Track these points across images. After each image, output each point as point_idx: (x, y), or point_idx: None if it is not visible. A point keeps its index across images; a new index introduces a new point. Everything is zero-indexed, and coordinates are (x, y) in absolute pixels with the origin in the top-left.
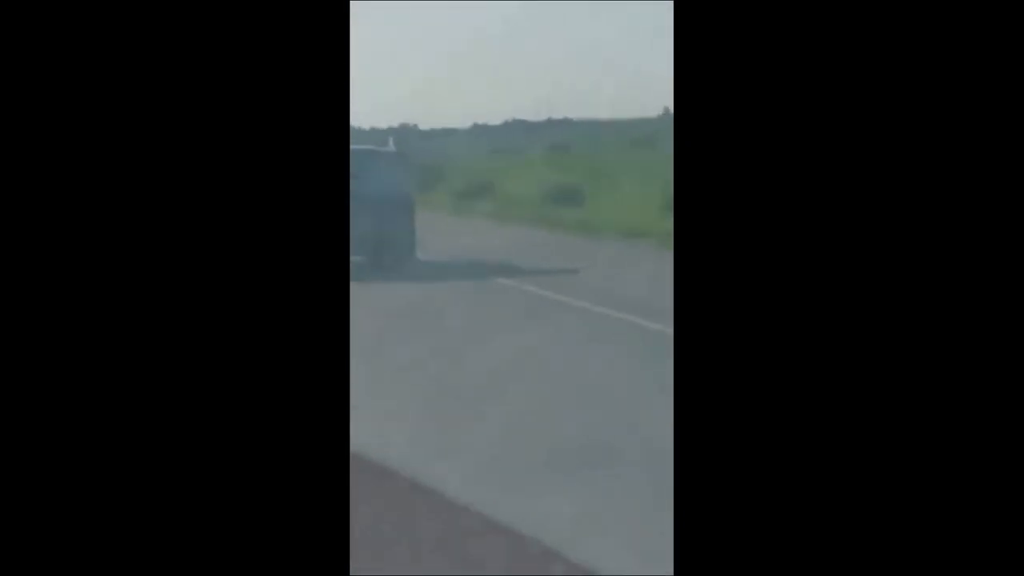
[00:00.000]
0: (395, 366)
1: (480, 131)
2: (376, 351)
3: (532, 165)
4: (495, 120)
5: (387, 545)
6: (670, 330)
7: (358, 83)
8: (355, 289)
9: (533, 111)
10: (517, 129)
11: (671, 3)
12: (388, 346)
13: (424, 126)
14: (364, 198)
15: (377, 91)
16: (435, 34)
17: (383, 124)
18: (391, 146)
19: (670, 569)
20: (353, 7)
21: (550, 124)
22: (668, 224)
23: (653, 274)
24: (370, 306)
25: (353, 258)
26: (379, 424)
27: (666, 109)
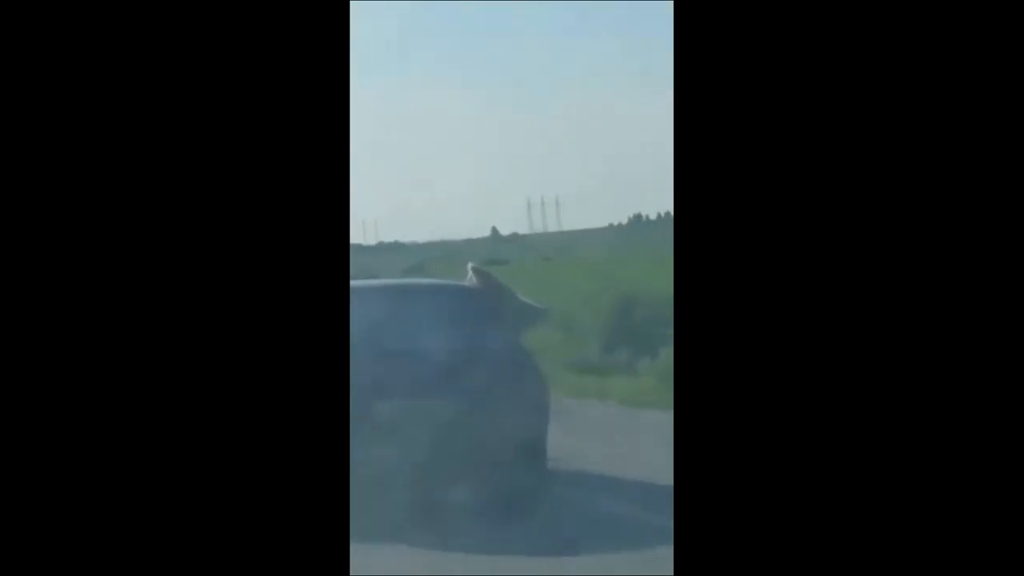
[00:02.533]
0: None
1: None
2: None
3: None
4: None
5: None
6: None
7: None
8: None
9: (362, 234)
10: (353, 253)
11: (671, 3)
12: None
13: None
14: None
15: None
16: None
17: None
18: (470, 278)
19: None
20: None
21: (382, 248)
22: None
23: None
24: None
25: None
26: None
27: (493, 228)
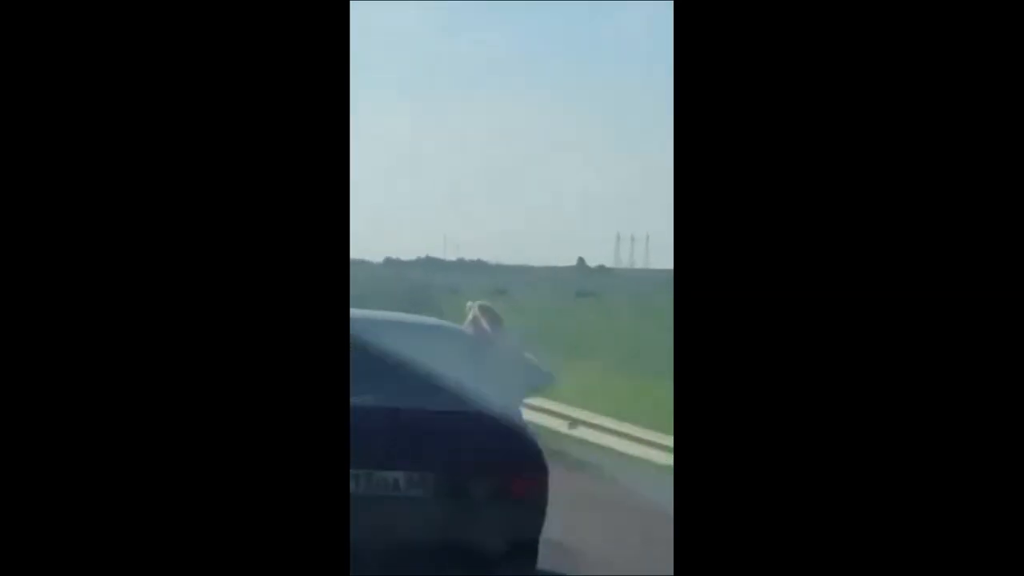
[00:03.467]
0: None
1: (392, 264)
2: None
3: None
4: (407, 255)
5: None
6: None
7: None
8: None
9: (442, 249)
10: (430, 266)
11: (671, 3)
12: None
13: None
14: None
15: None
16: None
17: None
18: (473, 319)
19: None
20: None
21: (462, 265)
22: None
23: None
24: None
25: None
26: None
27: (580, 259)
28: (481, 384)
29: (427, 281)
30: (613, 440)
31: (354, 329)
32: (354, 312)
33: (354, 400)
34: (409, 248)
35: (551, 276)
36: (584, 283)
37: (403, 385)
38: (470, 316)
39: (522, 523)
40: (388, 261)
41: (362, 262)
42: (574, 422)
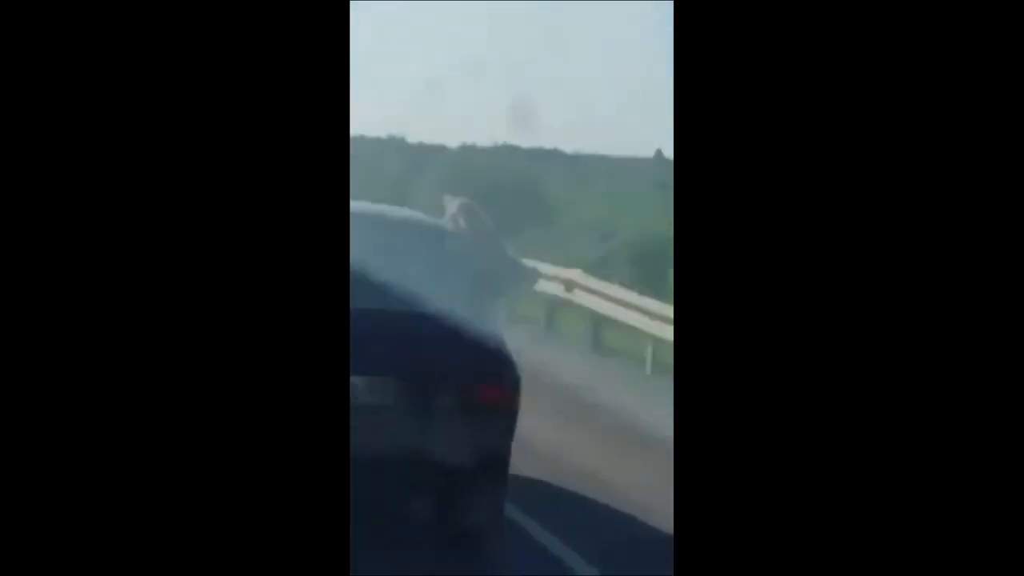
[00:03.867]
0: None
1: (468, 151)
2: None
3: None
4: (483, 141)
5: None
6: None
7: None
8: None
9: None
10: (508, 154)
11: (671, 3)
12: None
13: (412, 139)
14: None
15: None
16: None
17: (369, 132)
18: (452, 215)
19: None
20: (353, 6)
21: (540, 153)
22: None
23: None
24: None
25: None
26: None
27: (658, 151)
28: (456, 283)
29: (504, 170)
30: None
31: None
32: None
33: None
34: (485, 133)
35: (630, 167)
36: (662, 174)
37: (367, 285)
38: (450, 210)
39: (489, 434)
40: (464, 148)
41: (441, 147)
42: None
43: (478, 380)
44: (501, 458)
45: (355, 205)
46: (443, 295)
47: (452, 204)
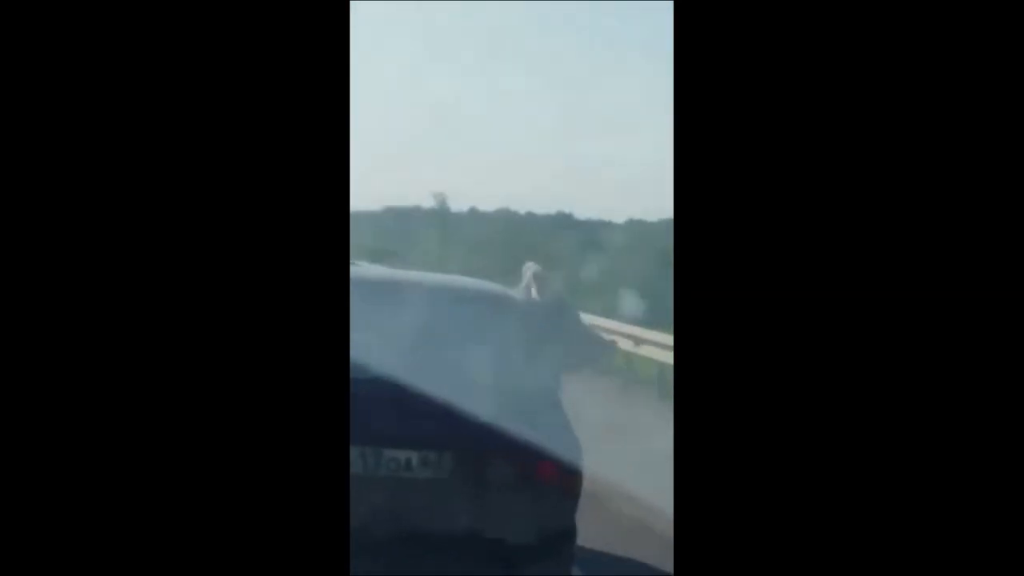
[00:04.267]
0: None
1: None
2: None
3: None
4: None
5: None
6: None
7: None
8: None
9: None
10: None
11: (671, 3)
12: None
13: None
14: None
15: None
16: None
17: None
18: (527, 284)
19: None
20: (353, 7)
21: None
22: None
23: None
24: None
25: None
26: None
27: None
28: (526, 357)
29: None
30: None
31: (374, 294)
32: (381, 272)
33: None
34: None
35: (661, 229)
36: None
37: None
38: (526, 278)
39: (550, 513)
40: (501, 211)
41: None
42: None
43: (538, 457)
44: (562, 536)
45: (427, 277)
46: (511, 367)
47: (526, 272)
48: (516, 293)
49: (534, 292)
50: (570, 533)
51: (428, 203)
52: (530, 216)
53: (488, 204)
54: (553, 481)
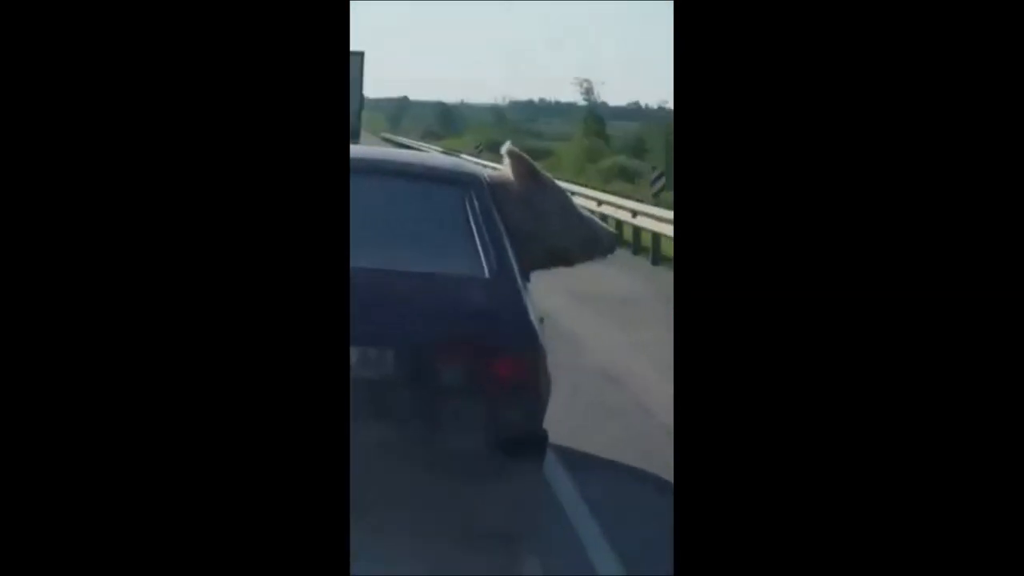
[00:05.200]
0: None
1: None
2: None
3: None
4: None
5: None
6: None
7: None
8: None
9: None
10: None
11: (671, 2)
12: None
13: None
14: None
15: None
16: None
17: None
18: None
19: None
20: (353, 6)
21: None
22: None
23: None
24: None
25: None
26: None
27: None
28: (487, 242)
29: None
30: None
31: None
32: (356, 150)
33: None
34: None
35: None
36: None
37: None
38: (504, 161)
39: (508, 415)
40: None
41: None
42: None
43: (493, 354)
44: (527, 443)
45: (392, 153)
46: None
47: (504, 152)
48: (491, 174)
49: (509, 173)
50: (536, 440)
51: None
52: None
53: None
54: (512, 381)
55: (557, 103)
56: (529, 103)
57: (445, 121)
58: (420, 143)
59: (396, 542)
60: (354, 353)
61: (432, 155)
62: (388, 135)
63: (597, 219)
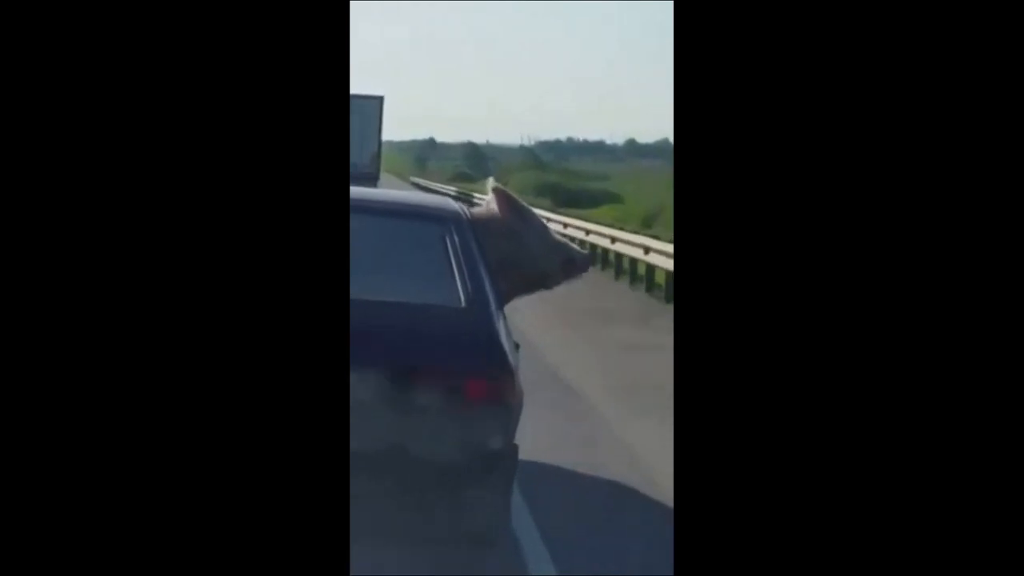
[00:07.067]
0: None
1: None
2: None
3: None
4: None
5: None
6: None
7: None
8: None
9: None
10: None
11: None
12: None
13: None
14: None
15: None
16: None
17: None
18: (488, 203)
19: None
20: (353, 6)
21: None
22: None
23: None
24: None
25: None
26: None
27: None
28: (465, 274)
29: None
30: None
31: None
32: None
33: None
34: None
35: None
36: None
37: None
38: (488, 197)
39: (481, 430)
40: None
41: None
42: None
43: (465, 374)
44: (498, 455)
45: (379, 193)
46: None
47: (488, 187)
48: (476, 210)
49: (494, 208)
50: (505, 453)
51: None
52: None
53: None
54: (484, 400)
55: (585, 141)
56: (557, 142)
57: (474, 162)
58: (450, 187)
59: (375, 543)
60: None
61: (417, 194)
62: (416, 179)
63: (571, 243)
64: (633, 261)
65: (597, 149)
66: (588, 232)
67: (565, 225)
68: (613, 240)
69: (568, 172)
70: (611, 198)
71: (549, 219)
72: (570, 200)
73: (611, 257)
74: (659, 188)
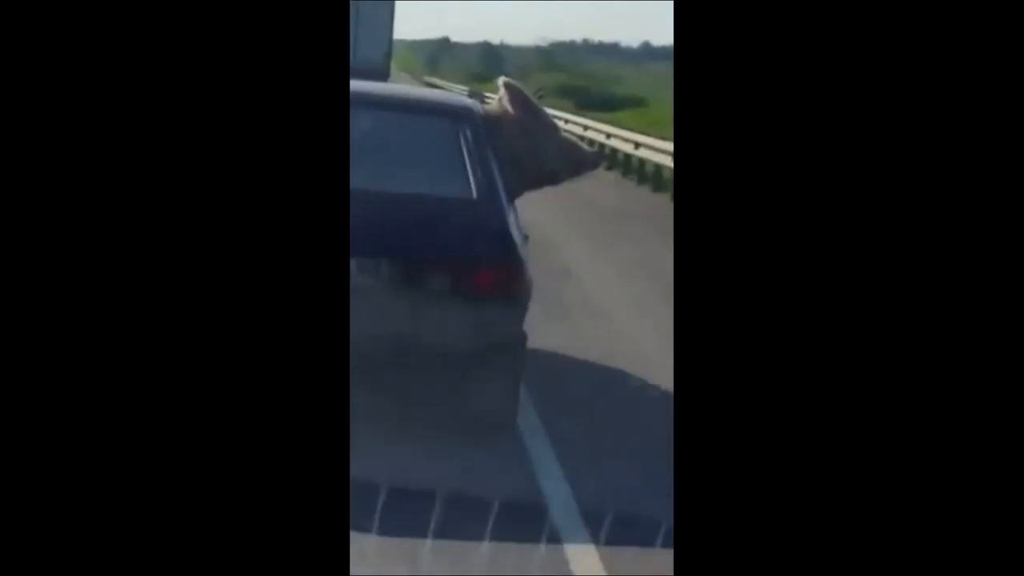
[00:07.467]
0: None
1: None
2: None
3: None
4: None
5: None
6: None
7: None
8: None
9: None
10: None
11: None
12: None
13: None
14: None
15: None
16: None
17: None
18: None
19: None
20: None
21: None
22: None
23: None
24: None
25: None
26: None
27: None
28: (476, 169)
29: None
30: None
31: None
32: (356, 85)
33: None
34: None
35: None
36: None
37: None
38: (500, 93)
39: (492, 320)
40: None
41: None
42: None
43: (476, 263)
44: (508, 342)
45: (391, 88)
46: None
47: (500, 84)
48: (489, 106)
49: (507, 105)
50: (516, 340)
51: None
52: None
53: None
54: (493, 290)
55: (600, 43)
56: (572, 43)
57: (489, 63)
58: (463, 86)
59: (386, 429)
60: (352, 263)
61: (433, 91)
62: (430, 78)
63: (581, 142)
64: (658, 167)
65: (612, 51)
66: (609, 136)
67: (585, 128)
68: (636, 145)
69: (584, 74)
70: (635, 102)
71: (567, 121)
72: (591, 103)
73: (634, 163)
74: None
